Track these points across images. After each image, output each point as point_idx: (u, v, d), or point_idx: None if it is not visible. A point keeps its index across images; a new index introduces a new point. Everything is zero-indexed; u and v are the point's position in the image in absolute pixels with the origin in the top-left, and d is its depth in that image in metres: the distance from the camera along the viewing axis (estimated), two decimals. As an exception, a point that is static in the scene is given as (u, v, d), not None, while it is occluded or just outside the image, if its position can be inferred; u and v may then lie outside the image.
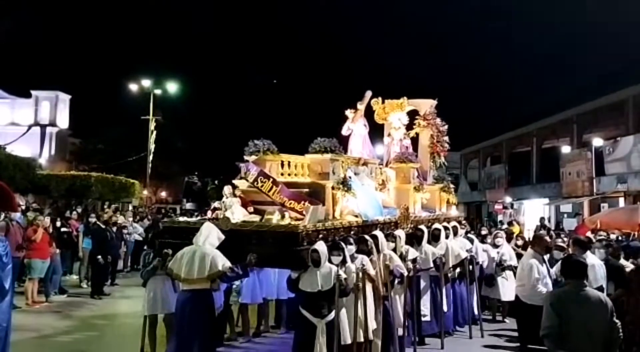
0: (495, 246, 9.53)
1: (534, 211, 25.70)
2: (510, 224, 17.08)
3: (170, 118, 34.16)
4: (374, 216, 7.23)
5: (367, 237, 6.52)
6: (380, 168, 8.72)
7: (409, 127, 10.41)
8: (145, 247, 8.44)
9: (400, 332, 6.75)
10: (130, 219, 16.31)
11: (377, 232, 6.76)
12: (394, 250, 6.89)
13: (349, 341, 5.72)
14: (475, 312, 8.72)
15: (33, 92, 37.99)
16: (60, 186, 23.16)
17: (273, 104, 55.65)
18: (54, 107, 38.35)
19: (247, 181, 6.25)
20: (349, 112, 9.35)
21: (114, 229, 12.73)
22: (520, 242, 10.56)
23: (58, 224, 12.22)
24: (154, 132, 29.23)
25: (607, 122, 21.90)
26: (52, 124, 38.19)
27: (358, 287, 5.75)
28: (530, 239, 10.65)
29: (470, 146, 36.37)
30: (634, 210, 12.42)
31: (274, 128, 30.92)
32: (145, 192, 33.17)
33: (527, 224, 22.92)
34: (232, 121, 50.66)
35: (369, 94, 9.49)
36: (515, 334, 7.96)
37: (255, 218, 6.31)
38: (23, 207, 14.84)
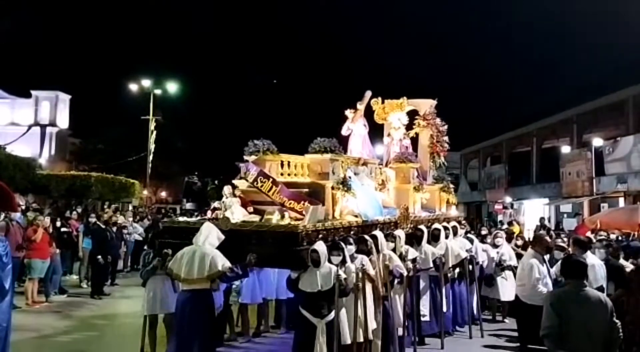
0: (495, 246, 9.53)
1: (534, 211, 25.70)
2: (510, 224, 17.09)
3: (170, 118, 34.21)
4: (374, 216, 7.23)
5: (366, 237, 6.52)
6: (380, 168, 8.72)
7: (409, 127, 10.41)
8: (145, 247, 8.43)
9: (400, 332, 6.76)
10: (130, 219, 16.31)
11: (377, 232, 6.76)
12: (394, 250, 6.89)
13: (348, 341, 5.72)
14: (475, 312, 8.73)
15: (33, 92, 38.02)
16: (60, 185, 23.16)
17: (273, 104, 55.72)
18: (54, 107, 38.38)
19: (247, 180, 6.25)
20: (348, 112, 9.35)
21: (114, 229, 12.73)
22: (520, 242, 10.56)
23: (58, 224, 12.22)
24: (154, 132, 29.24)
25: (607, 122, 21.90)
26: (52, 124, 38.22)
27: (358, 287, 5.75)
28: (530, 239, 10.66)
29: (470, 146, 36.38)
30: (634, 210, 12.42)
31: (274, 128, 30.96)
32: (145, 192, 33.17)
33: (527, 224, 22.92)
34: (232, 121, 50.73)
35: (368, 94, 9.49)
36: (515, 334, 7.96)
37: (255, 218, 6.31)
38: (23, 207, 14.84)
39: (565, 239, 10.19)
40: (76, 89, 39.60)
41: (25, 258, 9.93)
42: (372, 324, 6.05)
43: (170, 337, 6.45)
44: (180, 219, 8.18)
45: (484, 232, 11.68)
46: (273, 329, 8.34)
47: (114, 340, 8.03)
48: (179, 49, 67.22)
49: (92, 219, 12.45)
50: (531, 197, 26.47)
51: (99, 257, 11.17)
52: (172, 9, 70.92)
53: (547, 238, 9.17)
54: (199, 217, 8.77)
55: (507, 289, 9.03)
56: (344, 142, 8.84)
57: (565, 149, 23.58)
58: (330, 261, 5.69)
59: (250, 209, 6.57)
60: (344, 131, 9.30)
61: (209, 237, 5.70)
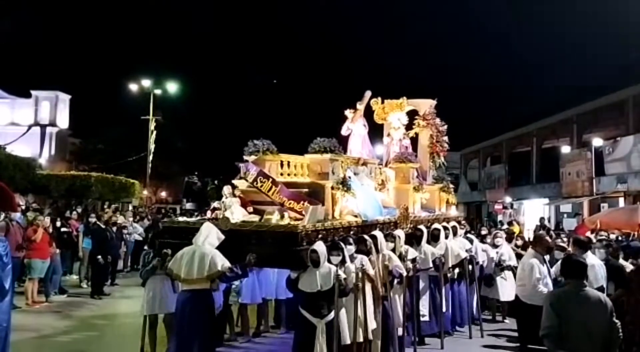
0: (494, 246, 9.53)
1: (533, 211, 25.70)
2: (510, 224, 17.09)
3: (170, 118, 34.19)
4: (374, 216, 7.23)
5: (366, 237, 6.52)
6: (379, 168, 8.72)
7: (409, 127, 10.41)
8: (145, 247, 8.44)
9: (400, 332, 6.76)
10: (130, 219, 16.32)
11: (377, 232, 6.76)
12: (393, 250, 6.89)
13: (348, 341, 5.72)
14: (475, 312, 8.73)
15: (33, 92, 38.02)
16: (60, 185, 23.16)
17: (273, 104, 55.72)
18: (54, 107, 38.39)
19: (247, 180, 6.25)
20: (348, 112, 9.35)
21: (114, 229, 12.74)
22: (520, 243, 10.56)
23: (58, 224, 12.22)
24: (154, 132, 29.24)
25: (607, 122, 21.89)
26: (52, 124, 38.23)
27: (358, 287, 5.75)
28: (530, 239, 10.66)
29: (470, 146, 36.37)
30: (633, 210, 12.41)
31: (274, 128, 30.94)
32: (145, 192, 33.18)
33: (527, 224, 22.93)
34: (232, 121, 50.73)
35: (368, 94, 9.49)
36: (515, 334, 7.96)
37: (255, 218, 6.31)
38: (23, 207, 14.85)
39: (565, 239, 10.20)
40: (76, 89, 39.69)
41: (25, 258, 9.94)
42: (372, 324, 6.06)
43: (170, 337, 6.45)
44: (180, 219, 8.19)
45: (483, 232, 11.68)
46: (273, 329, 8.34)
47: (114, 340, 8.04)
48: (179, 49, 67.30)
49: (92, 219, 12.45)
50: (531, 197, 26.46)
51: (99, 257, 11.17)
52: (172, 9, 70.98)
53: (548, 238, 9.19)
54: (198, 217, 8.77)
55: (506, 289, 9.04)
56: (343, 142, 8.84)
57: (565, 149, 23.58)
58: (329, 261, 5.69)
59: (250, 209, 6.57)
60: (344, 131, 9.31)
61: (208, 237, 5.70)
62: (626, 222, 11.90)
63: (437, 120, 10.54)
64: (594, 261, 6.77)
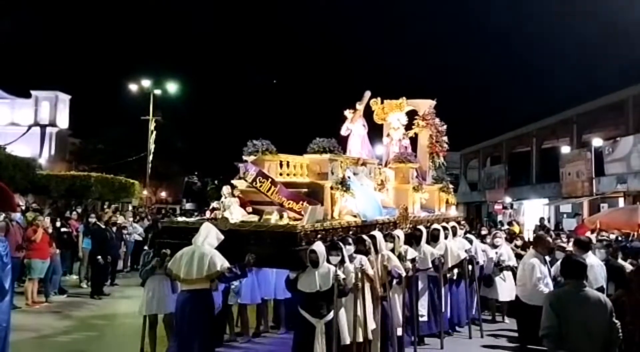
0: (494, 246, 9.53)
1: (533, 211, 25.70)
2: (510, 224, 17.09)
3: (170, 118, 34.21)
4: (373, 216, 7.23)
5: (365, 237, 6.52)
6: (379, 168, 8.72)
7: (408, 127, 10.41)
8: (145, 247, 8.45)
9: (399, 332, 6.76)
10: (130, 219, 16.32)
11: (376, 233, 6.76)
12: (392, 250, 6.89)
13: (348, 341, 5.72)
14: (474, 312, 8.73)
15: (33, 92, 38.04)
16: (60, 186, 23.16)
17: (273, 104, 55.74)
18: (54, 107, 38.40)
19: (246, 181, 6.25)
20: (348, 112, 9.34)
21: (114, 229, 12.74)
22: (519, 243, 10.55)
23: (58, 224, 12.22)
24: (154, 132, 29.25)
25: (607, 122, 21.88)
26: (52, 124, 38.24)
27: (357, 287, 5.75)
28: (530, 239, 10.66)
29: (470, 146, 36.36)
30: (633, 210, 12.43)
31: (274, 128, 30.97)
32: (145, 192, 33.19)
33: (527, 224, 22.92)
34: (231, 121, 50.75)
35: (367, 94, 9.49)
36: (515, 334, 7.96)
37: (254, 218, 6.31)
38: (23, 208, 14.86)
39: (565, 239, 10.20)
40: (76, 89, 39.73)
41: (25, 258, 9.94)
42: (371, 324, 6.06)
43: (170, 337, 6.46)
44: (179, 219, 8.18)
45: (483, 232, 11.69)
46: (272, 330, 8.34)
47: (114, 340, 8.04)
48: (179, 49, 67.37)
49: (92, 219, 12.44)
50: (531, 197, 26.46)
51: (99, 257, 11.17)
52: (172, 9, 71.04)
53: (549, 239, 9.19)
54: (197, 218, 8.77)
55: (505, 289, 9.04)
56: (343, 142, 8.84)
57: (565, 149, 23.57)
58: (328, 261, 5.69)
59: (249, 209, 6.57)
60: (343, 131, 9.31)
61: (208, 237, 5.70)
62: (626, 222, 11.91)
63: (437, 120, 10.54)
64: (594, 261, 6.77)
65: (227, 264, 5.62)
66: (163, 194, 47.11)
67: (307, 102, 57.76)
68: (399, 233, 7.29)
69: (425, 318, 7.82)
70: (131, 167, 33.23)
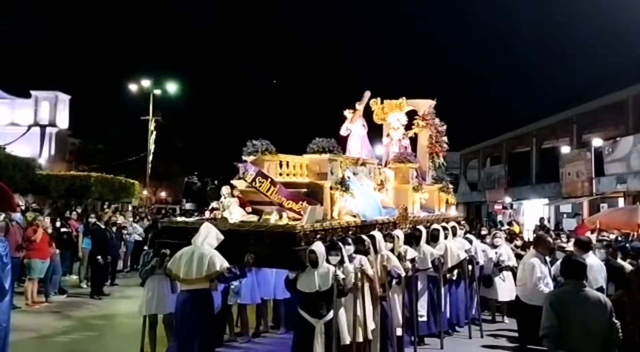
0: (493, 246, 9.53)
1: (533, 211, 25.70)
2: (510, 224, 17.09)
3: (170, 118, 34.21)
4: (373, 216, 7.23)
5: (364, 237, 6.52)
6: (379, 168, 8.73)
7: (408, 127, 10.41)
8: (145, 247, 8.45)
9: (399, 332, 6.76)
10: (130, 219, 16.32)
11: (375, 233, 6.75)
12: (392, 250, 6.89)
13: (347, 342, 5.72)
14: (474, 312, 8.73)
15: (33, 92, 38.02)
16: (60, 186, 23.16)
17: (273, 104, 55.74)
18: (54, 107, 38.39)
19: (246, 181, 6.25)
20: (347, 113, 9.35)
21: (114, 229, 12.74)
22: (519, 243, 10.55)
23: (58, 224, 12.22)
24: (154, 132, 29.26)
25: (607, 122, 21.88)
26: (52, 124, 38.22)
27: (357, 287, 5.75)
28: (530, 239, 10.66)
29: (470, 146, 36.36)
30: (633, 210, 12.42)
31: (273, 128, 30.98)
32: (145, 192, 33.20)
33: (527, 225, 22.92)
34: (231, 121, 50.74)
35: (367, 94, 9.50)
36: (515, 334, 7.96)
37: (253, 218, 6.31)
38: (23, 208, 14.86)
39: (565, 239, 10.20)
40: (76, 89, 39.69)
41: (25, 258, 9.94)
42: (371, 325, 6.06)
43: (170, 337, 6.46)
44: (179, 219, 8.18)
45: (483, 232, 11.69)
46: (272, 330, 8.35)
47: (114, 340, 8.04)
48: (178, 48, 67.29)
49: (92, 219, 12.45)
50: (531, 197, 26.46)
51: (99, 257, 11.18)
52: (172, 8, 70.97)
53: (549, 239, 9.19)
54: (197, 218, 8.77)
55: (505, 289, 9.04)
56: (342, 142, 8.84)
57: (565, 149, 23.57)
58: (328, 261, 5.69)
59: (249, 209, 6.57)
60: (343, 131, 9.31)
61: (207, 237, 5.71)
62: (626, 222, 11.91)
63: (437, 120, 10.54)
64: (594, 261, 6.76)
65: (226, 264, 5.62)
66: (163, 194, 47.12)
67: (307, 102, 57.78)
68: (399, 233, 7.29)
69: (424, 318, 7.82)
70: (131, 167, 33.23)
